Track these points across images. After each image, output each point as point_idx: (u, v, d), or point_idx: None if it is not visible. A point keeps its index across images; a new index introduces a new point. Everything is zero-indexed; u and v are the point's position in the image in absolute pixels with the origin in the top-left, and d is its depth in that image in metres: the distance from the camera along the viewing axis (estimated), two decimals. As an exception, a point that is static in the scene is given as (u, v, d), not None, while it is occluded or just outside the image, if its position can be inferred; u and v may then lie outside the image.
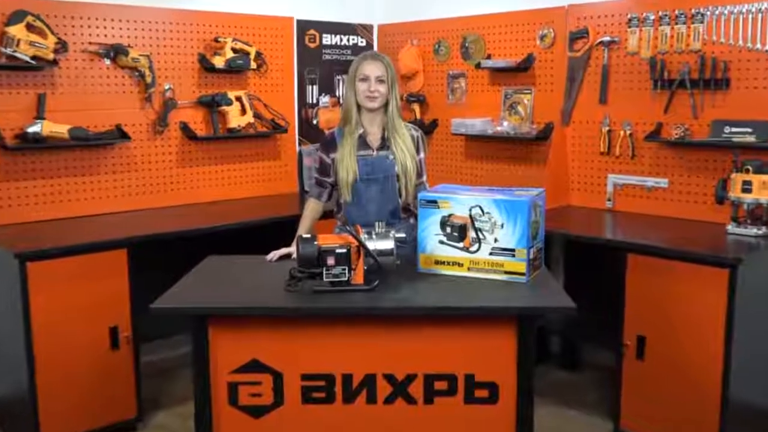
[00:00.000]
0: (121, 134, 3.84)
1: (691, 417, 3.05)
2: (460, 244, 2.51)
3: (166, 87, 4.03)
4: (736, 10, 3.39)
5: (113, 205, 3.89)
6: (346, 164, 2.85)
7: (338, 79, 4.87)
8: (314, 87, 4.79)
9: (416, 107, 4.74)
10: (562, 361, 4.14)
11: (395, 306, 2.31)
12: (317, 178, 3.04)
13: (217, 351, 2.31)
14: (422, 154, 2.99)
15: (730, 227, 3.30)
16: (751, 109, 3.37)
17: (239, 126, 4.29)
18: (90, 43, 3.74)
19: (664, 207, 3.72)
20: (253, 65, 4.33)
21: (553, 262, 3.95)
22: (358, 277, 2.38)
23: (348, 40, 4.92)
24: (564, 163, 4.09)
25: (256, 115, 4.40)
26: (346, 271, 2.35)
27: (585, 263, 3.87)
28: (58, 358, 3.11)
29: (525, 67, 4.17)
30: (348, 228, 2.42)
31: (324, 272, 2.35)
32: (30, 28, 3.44)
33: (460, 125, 4.41)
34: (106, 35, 3.79)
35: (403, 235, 2.54)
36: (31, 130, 3.48)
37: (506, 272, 2.46)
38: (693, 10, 3.52)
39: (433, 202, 2.54)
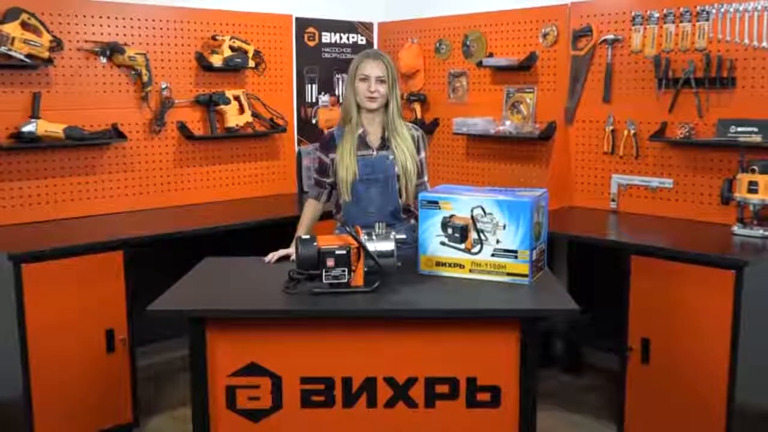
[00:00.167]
0: (117, 134, 3.84)
1: (696, 422, 3.05)
2: (462, 246, 2.51)
3: (163, 86, 4.03)
4: (741, 8, 3.39)
5: (109, 206, 3.89)
6: (346, 164, 2.85)
7: (338, 78, 4.87)
8: (313, 86, 4.79)
9: (417, 106, 4.74)
10: (565, 364, 4.14)
11: (396, 308, 2.31)
12: (316, 178, 3.05)
13: (214, 354, 2.31)
14: (423, 154, 2.99)
15: (736, 228, 3.31)
16: (758, 109, 3.37)
17: (237, 125, 4.29)
18: (86, 41, 3.74)
19: (669, 208, 3.72)
20: (252, 64, 4.33)
21: (556, 263, 3.95)
22: (358, 279, 2.38)
23: (348, 38, 4.92)
24: (567, 163, 4.09)
25: (255, 115, 4.40)
26: (346, 273, 2.35)
27: (588, 265, 3.88)
28: (53, 361, 3.10)
29: (527, 65, 4.18)
30: (348, 229, 2.43)
31: (323, 274, 2.35)
32: (25, 26, 3.44)
33: (462, 125, 4.42)
34: (102, 33, 3.80)
35: (404, 236, 2.55)
36: (25, 129, 3.48)
37: (509, 274, 2.46)
38: (698, 8, 3.52)
39: (434, 203, 2.54)
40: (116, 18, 3.84)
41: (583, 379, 4.02)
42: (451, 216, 2.51)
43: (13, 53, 3.39)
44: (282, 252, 2.81)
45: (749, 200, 3.23)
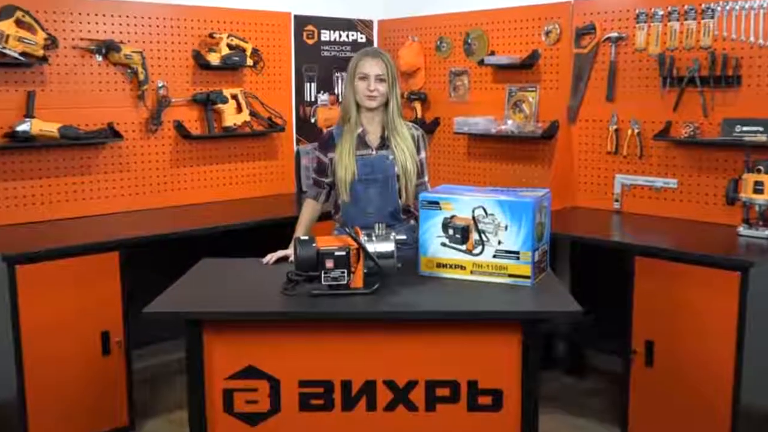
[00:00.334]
0: (113, 133, 3.84)
1: (701, 425, 3.05)
2: (463, 247, 2.51)
3: (160, 84, 4.03)
4: (747, 5, 3.39)
5: (105, 207, 3.89)
6: (345, 163, 2.85)
7: (337, 77, 4.87)
8: (312, 84, 4.79)
9: (417, 105, 4.74)
10: (568, 366, 4.14)
11: (396, 310, 2.31)
12: (315, 178, 3.05)
13: (211, 356, 2.31)
14: (423, 154, 2.99)
15: (742, 229, 3.30)
16: (764, 108, 3.37)
17: (235, 125, 4.29)
18: (81, 39, 3.74)
19: (673, 208, 3.72)
20: (250, 62, 4.33)
21: (558, 265, 3.95)
22: (358, 281, 2.38)
23: (347, 36, 4.92)
24: (570, 163, 4.09)
25: (253, 114, 4.40)
26: (345, 275, 2.35)
27: (592, 266, 3.88)
28: (48, 363, 3.11)
29: (530, 63, 4.17)
30: (347, 230, 2.42)
31: (322, 275, 2.34)
32: (19, 23, 3.44)
33: (463, 124, 4.41)
34: (97, 31, 3.80)
35: (404, 237, 2.54)
36: (20, 128, 3.48)
37: (510, 275, 2.46)
38: (703, 5, 3.52)
39: (434, 203, 2.54)
40: (112, 15, 3.84)
41: (586, 382, 4.02)
42: (452, 217, 2.51)
43: (7, 51, 3.39)
44: (280, 253, 2.81)
45: (755, 201, 3.23)
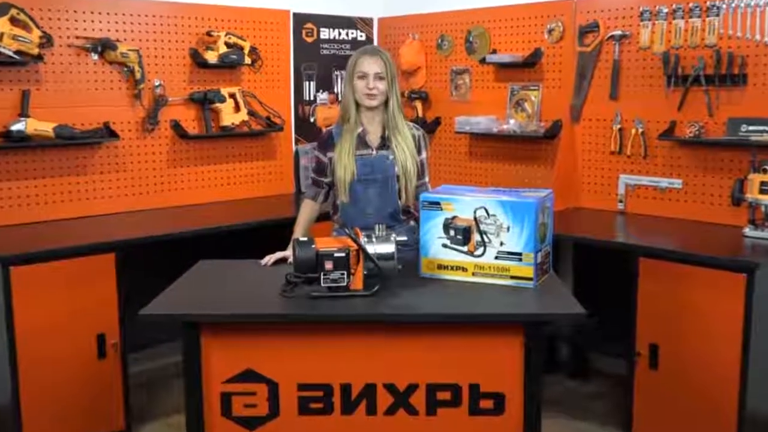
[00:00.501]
0: (109, 133, 3.84)
1: (706, 429, 3.05)
2: (464, 248, 2.51)
3: (156, 83, 4.04)
4: (753, 3, 3.39)
5: (101, 207, 3.89)
6: (345, 163, 2.85)
7: (337, 75, 4.87)
8: (311, 83, 4.80)
9: (418, 104, 4.74)
10: (571, 370, 4.14)
11: (396, 312, 2.31)
12: (313, 177, 3.05)
13: (209, 360, 2.31)
14: (424, 154, 2.99)
15: (747, 230, 3.31)
16: (770, 107, 3.38)
17: (233, 124, 4.29)
18: (76, 37, 3.75)
19: (678, 209, 3.72)
20: (248, 60, 4.33)
21: (561, 266, 3.95)
22: (357, 283, 2.38)
23: (347, 34, 4.93)
24: (573, 163, 4.09)
25: (251, 113, 4.40)
26: (345, 276, 2.35)
27: (595, 268, 3.88)
28: (43, 366, 3.10)
29: (532, 62, 4.18)
30: (347, 231, 2.43)
31: (322, 277, 2.35)
32: (14, 21, 3.44)
33: (464, 123, 4.42)
34: (93, 29, 3.80)
35: (405, 238, 2.55)
36: (14, 128, 3.48)
37: (513, 277, 2.46)
38: (708, 3, 3.52)
39: (435, 204, 2.54)
40: (108, 13, 3.84)
41: (589, 386, 4.02)
42: (454, 217, 2.51)
43: (1, 49, 3.39)
44: (279, 254, 2.81)
45: (761, 201, 3.23)
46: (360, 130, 2.90)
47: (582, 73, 4.02)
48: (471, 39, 4.50)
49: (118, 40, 3.85)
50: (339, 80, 4.87)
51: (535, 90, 4.23)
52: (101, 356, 3.26)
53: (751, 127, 3.40)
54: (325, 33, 4.83)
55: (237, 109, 4.31)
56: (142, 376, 3.97)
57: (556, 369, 4.13)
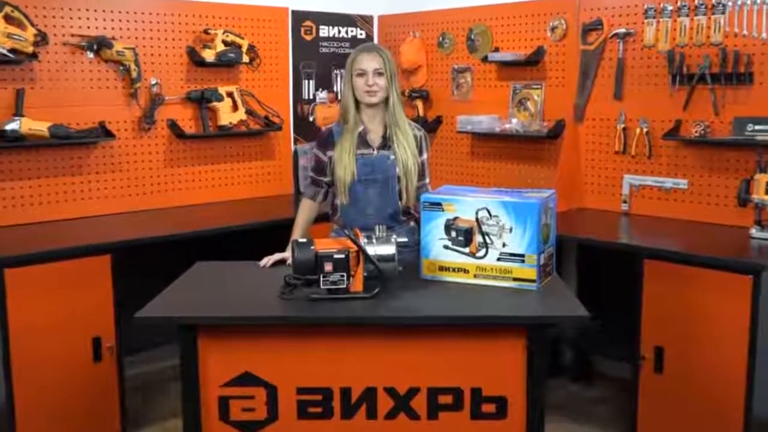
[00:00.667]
0: (104, 132, 3.85)
1: (712, 434, 3.05)
2: (466, 250, 2.51)
3: (153, 82, 4.04)
4: (759, 0, 3.39)
5: (97, 208, 3.90)
6: (345, 163, 2.85)
7: (336, 74, 4.88)
8: (310, 82, 4.80)
9: (419, 103, 4.75)
10: (574, 373, 4.14)
11: (397, 315, 2.31)
12: (312, 177, 3.05)
13: (207, 363, 2.31)
14: (425, 155, 2.99)
15: (754, 231, 3.31)
16: (776, 106, 3.38)
17: (230, 123, 4.29)
18: (72, 35, 3.75)
19: (683, 209, 3.72)
20: (246, 59, 4.33)
21: (564, 268, 3.95)
22: (357, 284, 2.38)
23: (347, 31, 4.93)
24: (576, 163, 4.09)
25: (249, 112, 4.41)
26: (345, 278, 2.35)
27: (599, 269, 3.88)
28: (37, 370, 3.10)
29: (535, 60, 4.18)
30: (346, 232, 2.42)
31: (321, 279, 2.34)
32: (8, 19, 3.44)
33: (466, 123, 4.42)
34: (88, 27, 3.80)
35: (405, 239, 2.54)
36: (8, 127, 3.48)
37: (515, 279, 2.46)
38: (714, 1, 3.52)
39: (437, 205, 2.54)
40: (104, 11, 3.84)
41: (593, 390, 4.02)
42: (455, 218, 2.51)
43: (-5, 48, 3.40)
44: (278, 256, 2.81)
45: (767, 202, 3.22)
46: (361, 128, 2.90)
47: (585, 71, 4.02)
48: (472, 37, 4.50)
49: (113, 38, 3.85)
50: (338, 79, 4.87)
51: (537, 89, 4.23)
52: (97, 359, 3.26)
53: (757, 127, 3.39)
54: (325, 31, 4.83)
55: (235, 108, 4.32)
56: (138, 380, 3.96)
57: (559, 372, 4.13)
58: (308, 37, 4.76)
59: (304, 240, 2.41)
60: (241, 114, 4.34)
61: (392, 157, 2.88)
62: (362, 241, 2.37)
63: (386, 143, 2.91)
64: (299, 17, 4.70)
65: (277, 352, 2.33)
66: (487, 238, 2.47)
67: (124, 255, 3.31)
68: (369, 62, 2.83)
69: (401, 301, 2.38)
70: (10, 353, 3.03)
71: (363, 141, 2.90)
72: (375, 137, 2.91)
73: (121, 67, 3.90)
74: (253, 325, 2.34)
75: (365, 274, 2.38)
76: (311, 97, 4.82)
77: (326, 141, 2.97)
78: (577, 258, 4.08)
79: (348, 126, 2.90)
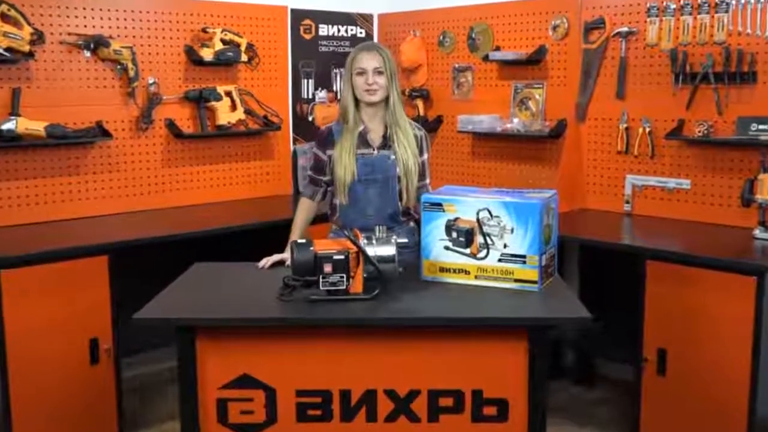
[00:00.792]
0: (101, 132, 3.84)
1: (715, 436, 3.05)
2: (467, 250, 2.51)
3: (151, 81, 4.04)
4: (763, -1, 3.40)
5: (94, 208, 3.89)
6: (345, 163, 2.85)
7: (336, 73, 4.88)
8: (310, 81, 4.80)
9: (419, 103, 4.74)
10: (576, 376, 4.14)
11: (397, 317, 2.31)
12: (311, 176, 3.05)
13: (205, 365, 2.31)
14: (426, 155, 2.99)
15: (757, 232, 3.31)
16: (780, 105, 3.38)
17: (229, 123, 4.29)
18: (68, 33, 3.75)
19: (687, 210, 3.72)
20: (244, 58, 4.33)
21: (566, 269, 3.95)
22: (357, 286, 2.38)
23: (346, 30, 4.93)
24: (578, 163, 4.09)
25: (248, 112, 4.41)
26: (344, 279, 2.35)
27: (601, 270, 3.88)
28: (34, 372, 3.10)
29: (536, 59, 4.18)
30: (346, 232, 2.42)
31: (320, 280, 2.34)
32: (4, 17, 3.44)
33: (467, 122, 4.42)
34: (85, 26, 3.80)
35: (406, 240, 2.55)
36: (4, 127, 3.48)
37: (517, 280, 2.46)
38: (717, -1, 3.53)
39: (437, 205, 2.54)
40: (101, 9, 3.84)
41: (595, 392, 4.02)
42: (456, 219, 2.51)
43: (-9, 46, 3.40)
44: (276, 257, 2.81)
45: (771, 202, 3.23)
46: (361, 128, 2.90)
47: (587, 70, 4.02)
48: (473, 36, 4.50)
49: (111, 37, 3.85)
50: (338, 78, 4.87)
51: (539, 88, 4.23)
52: (94, 361, 3.26)
53: (761, 126, 3.39)
54: (324, 29, 4.83)
55: (233, 107, 4.32)
56: (135, 382, 3.97)
57: (560, 375, 4.13)
58: (307, 36, 4.76)
59: (304, 241, 2.40)
60: (239, 113, 4.34)
61: (392, 156, 2.88)
62: (362, 241, 2.37)
63: (386, 143, 2.91)
64: (298, 16, 4.70)
65: (276, 354, 2.33)
66: (488, 238, 2.48)
67: (122, 256, 3.31)
68: (369, 61, 2.83)
69: (401, 302, 2.38)
70: (6, 355, 3.03)
71: (363, 141, 2.90)
72: (375, 137, 2.92)
73: (119, 66, 3.90)
74: (252, 327, 2.34)
75: (365, 275, 2.38)
76: (310, 96, 4.81)
77: (326, 140, 2.97)
78: (579, 259, 4.08)
79: (348, 125, 2.90)
